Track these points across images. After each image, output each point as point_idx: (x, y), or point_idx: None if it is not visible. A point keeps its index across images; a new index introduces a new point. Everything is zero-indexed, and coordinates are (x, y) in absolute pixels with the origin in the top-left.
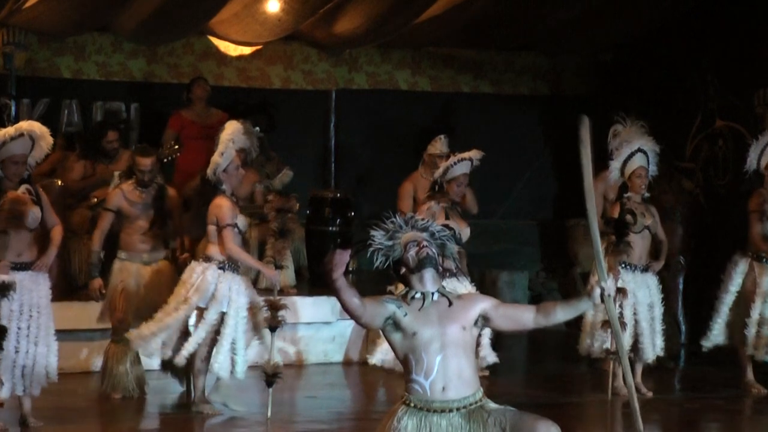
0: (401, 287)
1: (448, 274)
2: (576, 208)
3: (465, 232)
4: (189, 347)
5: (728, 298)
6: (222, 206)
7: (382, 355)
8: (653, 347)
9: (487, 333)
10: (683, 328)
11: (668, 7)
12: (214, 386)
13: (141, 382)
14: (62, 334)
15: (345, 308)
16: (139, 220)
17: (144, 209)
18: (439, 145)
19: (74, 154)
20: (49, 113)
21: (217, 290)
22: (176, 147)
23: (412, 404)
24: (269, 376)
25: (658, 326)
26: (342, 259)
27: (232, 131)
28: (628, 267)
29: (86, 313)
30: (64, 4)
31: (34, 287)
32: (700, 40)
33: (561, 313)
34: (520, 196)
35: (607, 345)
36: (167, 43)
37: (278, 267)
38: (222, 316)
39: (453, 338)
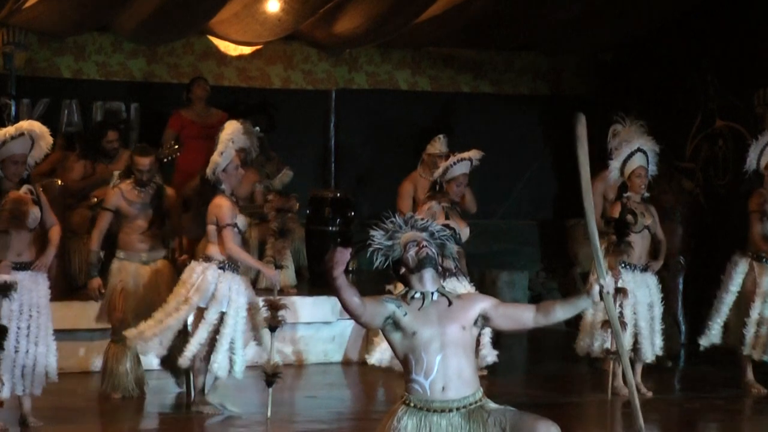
0: (400, 287)
1: (448, 274)
2: (576, 208)
3: (464, 232)
4: (192, 348)
5: (729, 298)
6: (221, 206)
7: (380, 354)
8: (652, 347)
9: (487, 332)
10: (683, 328)
11: (668, 7)
12: (212, 387)
13: (141, 382)
14: (62, 334)
15: (345, 307)
16: (137, 220)
17: (142, 209)
18: (438, 144)
19: (74, 154)
20: (49, 113)
21: (217, 290)
22: (176, 147)
23: (411, 404)
24: (269, 375)
25: (658, 326)
26: (343, 257)
27: (231, 131)
28: (627, 267)
29: (86, 313)
30: (64, 4)
31: (33, 287)
32: (700, 40)
33: (561, 312)
34: (520, 196)
35: (608, 345)
36: (167, 43)
37: (278, 267)
38: (221, 316)
39: (453, 338)
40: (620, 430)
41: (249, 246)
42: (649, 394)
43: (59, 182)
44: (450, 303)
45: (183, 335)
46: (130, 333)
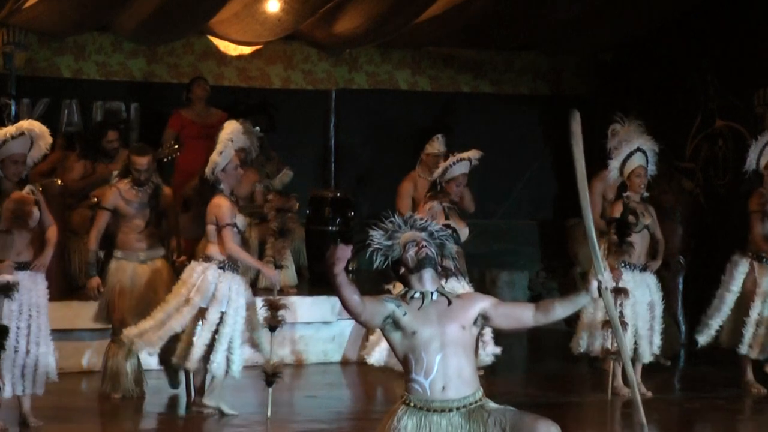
0: (400, 287)
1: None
2: (576, 208)
3: (464, 232)
4: (198, 351)
5: (730, 298)
6: (221, 206)
7: (379, 354)
8: (650, 347)
9: (488, 330)
10: (683, 328)
11: (668, 7)
12: (209, 388)
13: (141, 382)
14: (62, 334)
15: (344, 305)
16: (135, 219)
17: (140, 208)
18: (436, 144)
19: (74, 154)
20: (49, 113)
21: (217, 290)
22: (176, 146)
23: (411, 404)
24: (269, 375)
25: (658, 326)
26: (344, 254)
27: (231, 131)
28: (627, 266)
29: (86, 313)
30: (64, 3)
31: (33, 287)
32: (700, 40)
33: (560, 310)
34: (520, 196)
35: (608, 345)
36: (167, 42)
37: (278, 267)
38: (221, 316)
39: (452, 337)
40: (620, 430)
41: (249, 246)
42: (649, 394)
43: (59, 182)
44: (450, 302)
45: (177, 335)
46: (130, 332)
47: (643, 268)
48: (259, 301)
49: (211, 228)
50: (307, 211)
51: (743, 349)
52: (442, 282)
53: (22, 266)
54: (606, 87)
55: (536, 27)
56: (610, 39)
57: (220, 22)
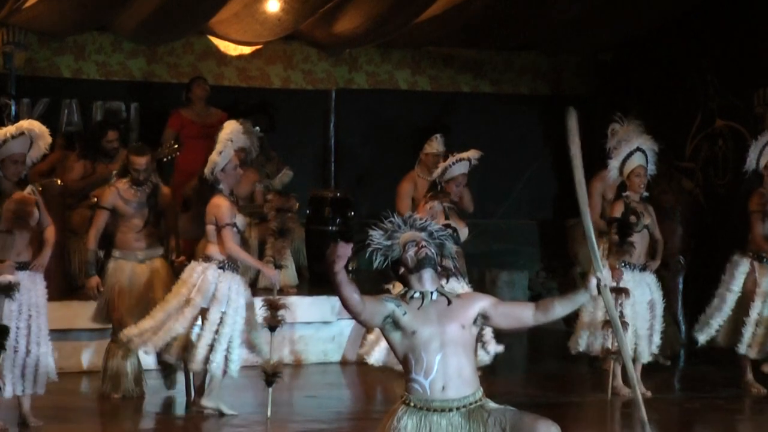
0: (399, 286)
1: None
2: (576, 208)
3: (463, 232)
4: (202, 352)
5: (731, 298)
6: (220, 206)
7: (378, 354)
8: (650, 346)
9: (488, 331)
10: (683, 327)
11: (668, 7)
12: (208, 389)
13: (141, 382)
14: (62, 334)
15: (344, 304)
16: (134, 219)
17: (139, 207)
18: (435, 144)
19: (74, 154)
20: (49, 113)
21: (218, 290)
22: (176, 146)
23: (411, 404)
24: (269, 375)
25: (659, 325)
26: (344, 252)
27: (230, 131)
28: (627, 266)
29: (86, 313)
30: (64, 3)
31: (32, 287)
32: (700, 40)
33: (559, 308)
34: (520, 196)
35: (608, 344)
36: (167, 42)
37: (278, 266)
38: (221, 316)
39: (452, 337)
40: (620, 430)
41: (249, 246)
42: (648, 393)
43: (59, 182)
44: (449, 302)
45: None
46: (129, 332)
47: (643, 268)
48: (259, 301)
49: (210, 228)
50: (307, 211)
51: (742, 349)
52: (443, 282)
53: (21, 266)
54: (606, 87)
55: (536, 27)
56: (610, 39)
57: (220, 22)
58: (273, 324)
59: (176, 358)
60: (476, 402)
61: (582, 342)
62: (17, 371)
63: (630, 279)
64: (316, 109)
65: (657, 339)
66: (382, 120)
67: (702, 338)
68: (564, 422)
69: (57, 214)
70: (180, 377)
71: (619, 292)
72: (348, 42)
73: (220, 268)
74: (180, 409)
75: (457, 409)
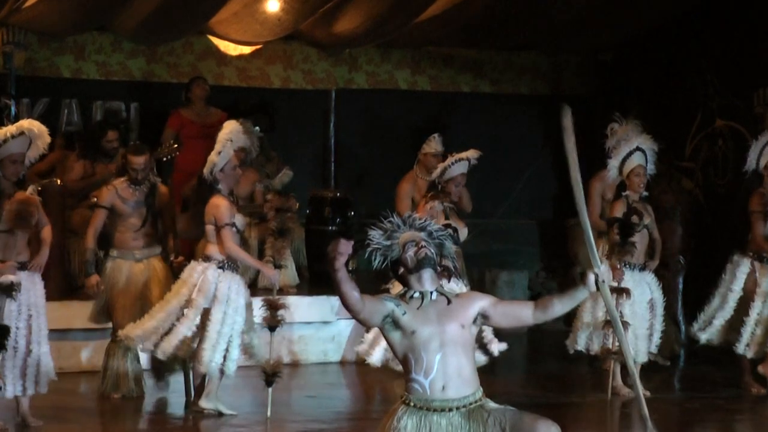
0: (398, 286)
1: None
2: (575, 208)
3: (463, 233)
4: (208, 352)
5: (733, 298)
6: (219, 206)
7: (378, 354)
8: (649, 345)
9: (489, 331)
10: (683, 328)
11: (668, 7)
12: (206, 390)
13: (141, 382)
14: (62, 334)
15: (344, 302)
16: (131, 218)
17: (136, 207)
18: (433, 144)
19: (74, 154)
20: (49, 113)
21: (218, 290)
22: (175, 146)
23: (411, 403)
24: (269, 375)
25: (659, 324)
26: (345, 248)
27: (230, 131)
28: (627, 266)
29: (86, 313)
30: (64, 3)
31: (31, 287)
32: (700, 40)
33: (559, 306)
34: (519, 195)
35: (608, 344)
36: (167, 42)
37: (277, 266)
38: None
39: (452, 337)
40: (620, 430)
41: (248, 246)
42: (647, 393)
43: (58, 182)
44: (449, 302)
45: (166, 334)
46: (133, 332)
47: (642, 268)
48: (259, 301)
49: (209, 228)
50: (307, 211)
51: (740, 349)
52: (442, 282)
53: (20, 266)
54: (606, 87)
55: (536, 27)
56: (610, 39)
57: (220, 22)
58: (273, 324)
59: (170, 357)
60: (476, 402)
61: (581, 341)
62: (17, 371)
63: (630, 279)
64: (316, 109)
65: (657, 338)
66: (381, 120)
67: (704, 337)
68: (564, 422)
69: (57, 214)
70: (173, 378)
71: (620, 292)
72: (348, 42)
73: (219, 267)
74: (179, 409)
75: (457, 408)
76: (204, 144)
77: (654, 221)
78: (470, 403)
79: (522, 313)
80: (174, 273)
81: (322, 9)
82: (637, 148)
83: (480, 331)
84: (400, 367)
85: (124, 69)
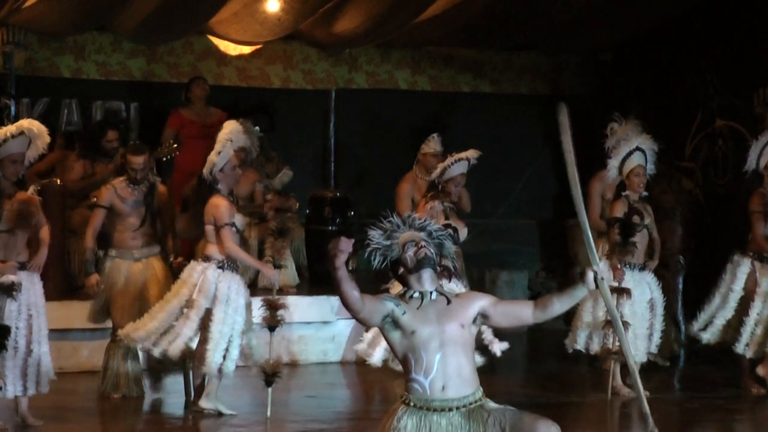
0: (398, 286)
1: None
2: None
3: (463, 232)
4: (213, 354)
5: (734, 298)
6: (219, 206)
7: (379, 354)
8: (649, 345)
9: (489, 332)
10: (683, 328)
11: (668, 7)
12: (206, 390)
13: (140, 382)
14: (62, 334)
15: (344, 300)
16: (130, 218)
17: (135, 206)
18: (432, 144)
19: (74, 154)
20: (49, 112)
21: (218, 290)
22: (175, 146)
23: (411, 403)
24: (268, 375)
25: (659, 324)
26: (346, 246)
27: (230, 131)
28: (627, 266)
29: (86, 313)
30: (64, 3)
31: (30, 287)
32: (700, 40)
33: (558, 304)
34: (519, 195)
35: (608, 344)
36: (167, 42)
37: (277, 266)
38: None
39: (452, 336)
40: (620, 430)
41: (248, 246)
42: (647, 393)
43: (58, 182)
44: (448, 302)
45: (163, 334)
46: (137, 334)
47: (642, 267)
48: (259, 301)
49: (209, 228)
50: (307, 211)
51: (740, 348)
52: (442, 282)
53: (20, 266)
54: (606, 87)
55: (536, 27)
56: (610, 39)
57: (220, 22)
58: (272, 324)
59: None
60: (476, 402)
61: (580, 340)
62: (17, 371)
63: (630, 278)
64: (316, 109)
65: (657, 338)
66: (381, 120)
67: (706, 337)
68: (564, 422)
69: (57, 214)
70: (168, 380)
71: (621, 292)
72: (348, 42)
73: (219, 267)
74: (179, 409)
75: (457, 408)
76: (204, 144)
77: (653, 221)
78: (470, 403)
79: (522, 313)
80: (173, 273)
81: (322, 9)
82: (637, 148)
83: (479, 333)
84: (400, 367)
85: (124, 69)
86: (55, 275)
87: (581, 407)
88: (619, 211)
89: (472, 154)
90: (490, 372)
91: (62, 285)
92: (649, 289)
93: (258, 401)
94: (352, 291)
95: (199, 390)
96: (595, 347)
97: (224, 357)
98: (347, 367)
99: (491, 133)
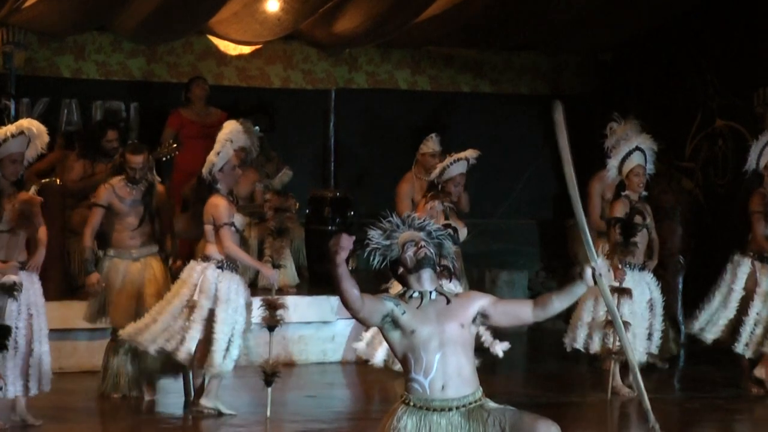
0: (398, 286)
1: (451, 275)
2: None
3: (463, 232)
4: (216, 355)
5: (735, 297)
6: (218, 206)
7: (380, 354)
8: (648, 345)
9: (487, 333)
10: (683, 328)
11: (668, 7)
12: (206, 390)
13: (140, 382)
14: (62, 334)
15: (343, 299)
16: (128, 217)
17: (133, 206)
18: (431, 143)
19: (74, 154)
20: (49, 112)
21: (218, 290)
22: (175, 146)
23: (411, 403)
24: (268, 375)
25: (659, 324)
26: (347, 243)
27: (229, 131)
28: (627, 266)
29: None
30: (64, 3)
31: (30, 287)
32: (700, 40)
33: (557, 302)
34: (519, 195)
35: (608, 344)
36: (167, 42)
37: (276, 266)
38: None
39: (452, 336)
40: (620, 430)
41: (248, 245)
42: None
43: (58, 182)
44: (448, 301)
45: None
46: (141, 337)
47: (642, 267)
48: (258, 301)
49: (208, 228)
50: (307, 211)
51: (739, 348)
52: (441, 282)
53: (21, 266)
54: (606, 87)
55: (536, 27)
56: (610, 39)
57: (220, 22)
58: (272, 324)
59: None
60: (476, 401)
61: (579, 339)
62: (18, 371)
63: (629, 278)
64: (316, 109)
65: (657, 338)
66: (381, 120)
67: (709, 337)
68: (564, 422)
69: (57, 214)
70: (168, 380)
71: (621, 292)
72: (348, 42)
73: (218, 267)
74: (179, 409)
75: (457, 408)
76: (204, 144)
77: (653, 221)
78: (470, 403)
79: (522, 312)
80: (173, 275)
81: (322, 9)
82: (637, 148)
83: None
84: (400, 368)
85: (124, 69)
86: (55, 275)
87: (581, 407)
88: (620, 211)
89: (471, 154)
90: (490, 372)
91: (62, 285)
92: (648, 289)
93: (258, 401)
94: (352, 289)
95: (199, 390)
96: (596, 347)
97: (224, 357)
98: (347, 367)
99: (491, 133)
